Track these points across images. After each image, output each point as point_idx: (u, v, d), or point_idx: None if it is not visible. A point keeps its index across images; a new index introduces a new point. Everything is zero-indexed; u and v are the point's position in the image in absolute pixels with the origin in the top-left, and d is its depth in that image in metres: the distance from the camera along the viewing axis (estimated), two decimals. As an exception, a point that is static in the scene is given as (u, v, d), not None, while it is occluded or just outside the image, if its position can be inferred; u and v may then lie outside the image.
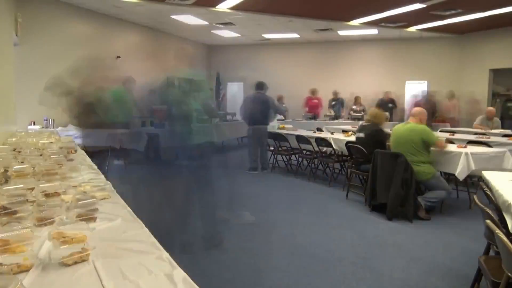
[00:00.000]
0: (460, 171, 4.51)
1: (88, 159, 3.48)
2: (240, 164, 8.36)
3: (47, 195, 1.92)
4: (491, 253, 2.54)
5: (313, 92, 11.38)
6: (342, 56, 12.79)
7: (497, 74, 10.47)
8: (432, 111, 8.48)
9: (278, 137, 7.22)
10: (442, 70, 11.60)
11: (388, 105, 10.69)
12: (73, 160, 2.86)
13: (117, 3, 8.07)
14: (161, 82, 3.68)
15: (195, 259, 3.34)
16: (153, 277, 1.21)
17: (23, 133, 4.97)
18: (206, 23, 10.03)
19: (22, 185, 2.02)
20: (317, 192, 5.82)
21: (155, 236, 1.56)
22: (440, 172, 5.02)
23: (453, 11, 8.21)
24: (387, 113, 10.10)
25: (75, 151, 3.75)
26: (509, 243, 1.75)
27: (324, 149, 6.53)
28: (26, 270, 1.23)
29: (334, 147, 6.31)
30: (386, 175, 4.52)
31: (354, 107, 10.96)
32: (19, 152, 3.16)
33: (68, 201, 1.85)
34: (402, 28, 10.19)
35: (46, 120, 6.92)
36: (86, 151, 4.17)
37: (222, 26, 10.38)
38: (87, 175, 2.70)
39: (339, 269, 3.23)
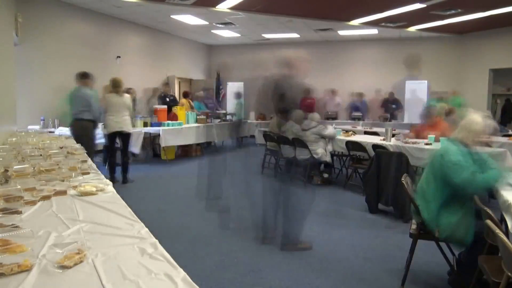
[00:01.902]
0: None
1: (89, 160, 3.47)
2: (242, 165, 8.37)
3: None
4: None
5: (307, 92, 11.36)
6: (342, 56, 12.79)
7: (497, 74, 10.47)
8: None
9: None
10: (442, 70, 11.59)
11: (392, 105, 10.72)
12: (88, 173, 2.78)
13: (117, 3, 8.07)
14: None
15: (195, 259, 3.35)
16: (153, 277, 1.21)
17: (23, 133, 4.96)
18: (206, 23, 10.03)
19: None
20: (315, 193, 5.82)
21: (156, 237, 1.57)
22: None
23: (453, 11, 8.21)
24: (387, 114, 10.16)
25: (75, 150, 3.74)
26: (509, 243, 1.75)
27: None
28: (26, 270, 1.23)
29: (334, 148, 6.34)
30: (392, 175, 4.50)
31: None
32: (19, 152, 3.16)
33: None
34: (402, 28, 10.19)
35: (43, 120, 6.92)
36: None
37: (222, 26, 10.38)
38: (88, 176, 2.70)
39: (339, 269, 3.23)
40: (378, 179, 4.70)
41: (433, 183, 2.73)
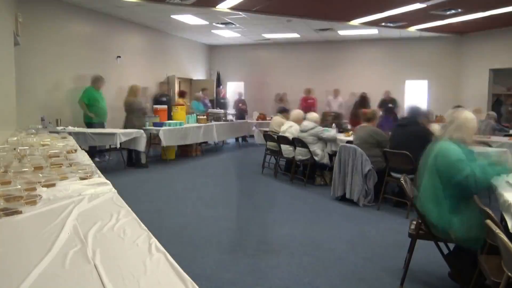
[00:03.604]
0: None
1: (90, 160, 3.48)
2: (242, 165, 8.38)
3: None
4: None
5: (308, 91, 11.40)
6: (342, 56, 12.79)
7: (497, 74, 10.46)
8: None
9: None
10: (442, 70, 11.60)
11: (388, 105, 10.69)
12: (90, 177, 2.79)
13: (118, 3, 8.07)
14: None
15: (195, 259, 3.35)
16: (153, 277, 1.21)
17: (23, 133, 4.96)
18: (206, 23, 10.03)
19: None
20: (316, 192, 5.83)
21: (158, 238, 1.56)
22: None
23: (453, 11, 8.20)
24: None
25: (75, 150, 3.75)
26: (509, 243, 1.75)
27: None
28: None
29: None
30: None
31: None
32: (19, 151, 3.16)
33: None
34: (402, 28, 10.19)
35: (43, 120, 6.91)
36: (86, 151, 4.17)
37: (222, 26, 10.38)
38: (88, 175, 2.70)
39: (339, 269, 3.23)
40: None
41: (440, 185, 2.68)
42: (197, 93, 11.14)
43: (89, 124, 7.34)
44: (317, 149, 6.08)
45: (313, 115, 6.50)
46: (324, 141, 6.22)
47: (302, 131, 6.27)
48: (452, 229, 2.62)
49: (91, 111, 7.36)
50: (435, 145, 2.81)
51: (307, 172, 6.18)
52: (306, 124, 6.27)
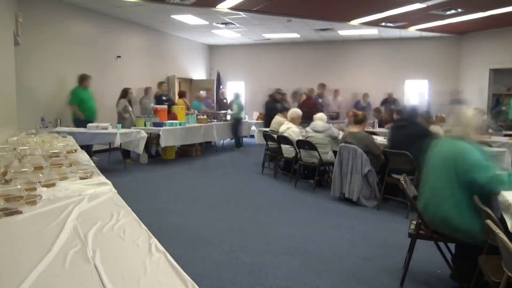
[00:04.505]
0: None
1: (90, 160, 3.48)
2: (242, 164, 8.38)
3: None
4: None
5: (311, 92, 11.35)
6: (342, 56, 12.79)
7: (497, 74, 10.46)
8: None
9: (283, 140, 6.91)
10: (442, 70, 11.60)
11: (391, 106, 10.70)
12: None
13: (118, 3, 8.07)
14: None
15: (195, 259, 3.35)
16: (153, 277, 1.21)
17: (23, 133, 4.96)
18: (206, 23, 10.03)
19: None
20: (315, 192, 5.82)
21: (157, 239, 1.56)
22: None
23: (453, 11, 8.20)
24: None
25: (75, 150, 3.75)
26: (509, 243, 1.75)
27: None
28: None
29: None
30: None
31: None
32: (19, 151, 3.16)
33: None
34: (402, 28, 10.19)
35: (43, 120, 6.91)
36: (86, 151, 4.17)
37: (222, 26, 10.38)
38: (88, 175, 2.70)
39: (339, 269, 3.23)
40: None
41: (459, 188, 2.59)
42: (198, 93, 11.15)
43: (76, 122, 7.33)
44: (329, 150, 5.95)
45: (322, 115, 6.36)
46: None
47: (317, 131, 5.98)
48: (474, 230, 2.55)
49: (80, 111, 7.35)
50: (445, 145, 2.75)
51: (316, 176, 5.91)
52: (321, 124, 6.03)
